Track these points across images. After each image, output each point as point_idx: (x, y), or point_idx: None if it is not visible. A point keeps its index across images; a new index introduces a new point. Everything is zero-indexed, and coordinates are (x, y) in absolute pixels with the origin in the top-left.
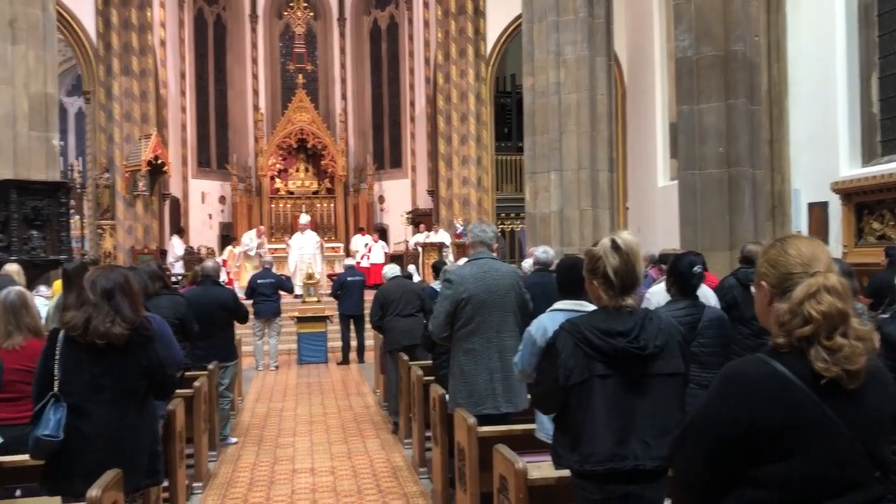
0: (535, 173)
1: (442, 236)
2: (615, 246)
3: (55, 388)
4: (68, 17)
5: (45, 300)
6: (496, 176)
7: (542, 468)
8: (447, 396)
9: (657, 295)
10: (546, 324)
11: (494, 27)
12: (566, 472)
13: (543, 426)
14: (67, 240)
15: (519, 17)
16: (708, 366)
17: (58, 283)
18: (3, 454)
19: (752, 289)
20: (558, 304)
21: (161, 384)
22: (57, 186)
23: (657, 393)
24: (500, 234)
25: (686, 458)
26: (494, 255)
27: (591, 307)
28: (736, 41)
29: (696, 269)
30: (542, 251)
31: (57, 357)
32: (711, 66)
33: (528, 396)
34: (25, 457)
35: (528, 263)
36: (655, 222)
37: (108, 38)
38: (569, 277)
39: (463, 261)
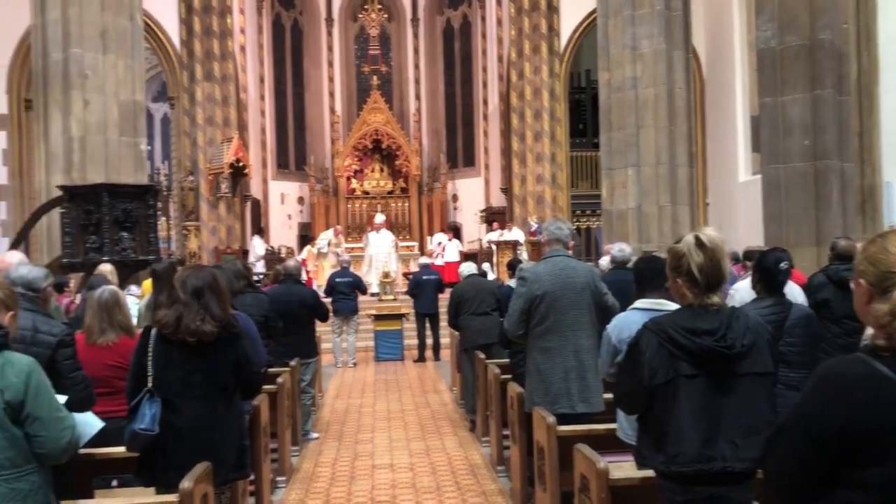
0: (611, 169)
1: (515, 234)
2: (699, 243)
3: (149, 384)
4: (153, 26)
5: (135, 299)
6: (571, 173)
7: (623, 468)
8: (525, 395)
9: (741, 291)
10: (623, 323)
11: (568, 23)
12: (650, 473)
13: (622, 426)
14: (155, 240)
15: (593, 12)
16: (795, 365)
17: (147, 283)
18: (101, 446)
19: (852, 285)
20: (637, 304)
21: (247, 380)
22: (145, 189)
23: (745, 393)
24: (575, 231)
25: (779, 459)
26: (570, 252)
27: (671, 305)
28: (822, 29)
29: (783, 265)
30: (619, 249)
31: (150, 354)
32: (796, 56)
33: (606, 398)
34: (121, 449)
35: (605, 261)
36: (737, 218)
37: (191, 45)
38: (646, 275)
39: None
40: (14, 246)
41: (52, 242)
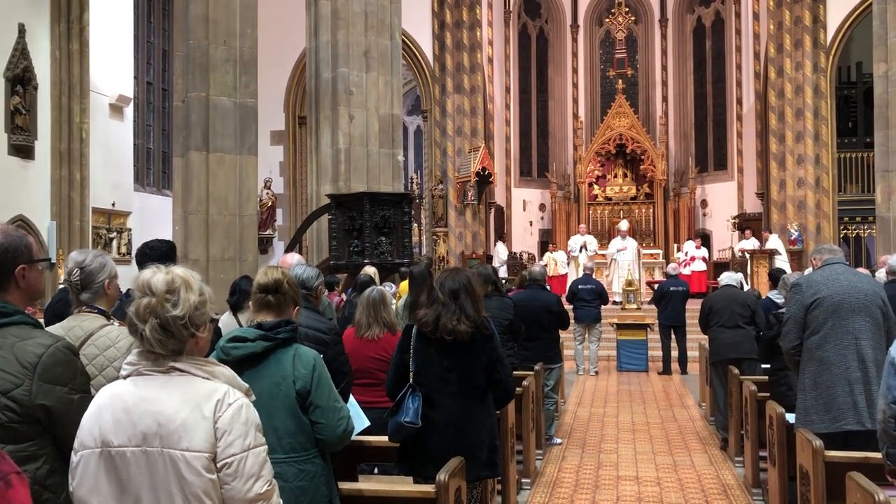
0: (888, 171)
1: (773, 242)
2: None
3: (410, 380)
4: (409, 43)
5: (393, 299)
6: (838, 175)
7: None
8: (788, 416)
9: None
10: None
11: (836, 13)
12: None
13: None
14: (409, 245)
15: None
16: None
17: (404, 285)
18: (362, 434)
19: None
20: None
21: (499, 381)
22: (401, 197)
23: None
24: (843, 239)
25: None
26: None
27: None
28: None
29: None
30: None
31: (411, 351)
32: None
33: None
34: (383, 438)
35: (880, 273)
36: None
37: (442, 59)
38: None
39: (808, 270)
40: (290, 248)
41: (321, 246)
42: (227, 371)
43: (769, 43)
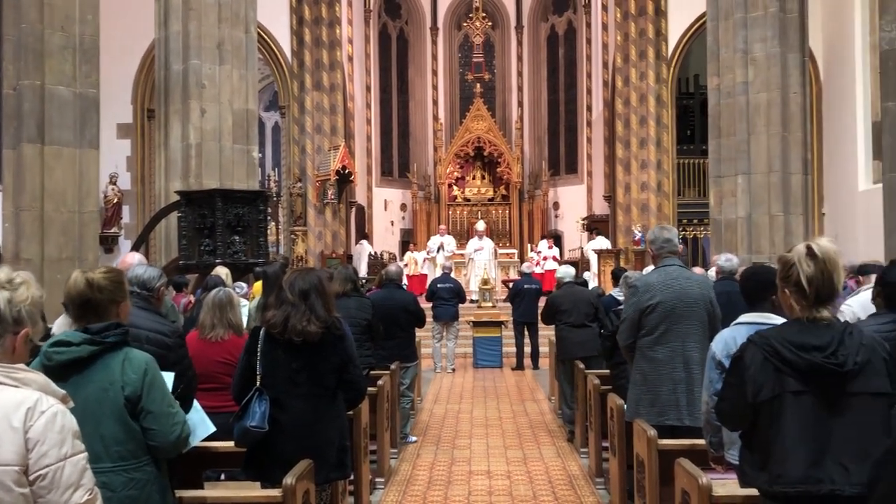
0: (720, 177)
1: (600, 242)
2: (811, 253)
3: (257, 383)
4: (266, 38)
5: (245, 300)
6: (677, 180)
7: (726, 485)
8: (625, 406)
9: (855, 307)
10: (728, 338)
11: (676, 27)
12: (753, 491)
13: (728, 445)
14: (265, 244)
15: (703, 15)
16: None
17: (258, 285)
18: (207, 440)
19: None
20: (742, 318)
21: (350, 381)
22: (256, 195)
23: (858, 414)
24: (681, 239)
25: (889, 484)
26: (682, 263)
27: (779, 320)
28: None
29: None
30: (726, 259)
31: (259, 353)
32: None
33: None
34: (229, 443)
35: (712, 272)
36: (856, 229)
37: (301, 55)
38: (754, 287)
39: (648, 269)
40: (135, 248)
41: (170, 245)
42: (39, 377)
43: (616, 53)
